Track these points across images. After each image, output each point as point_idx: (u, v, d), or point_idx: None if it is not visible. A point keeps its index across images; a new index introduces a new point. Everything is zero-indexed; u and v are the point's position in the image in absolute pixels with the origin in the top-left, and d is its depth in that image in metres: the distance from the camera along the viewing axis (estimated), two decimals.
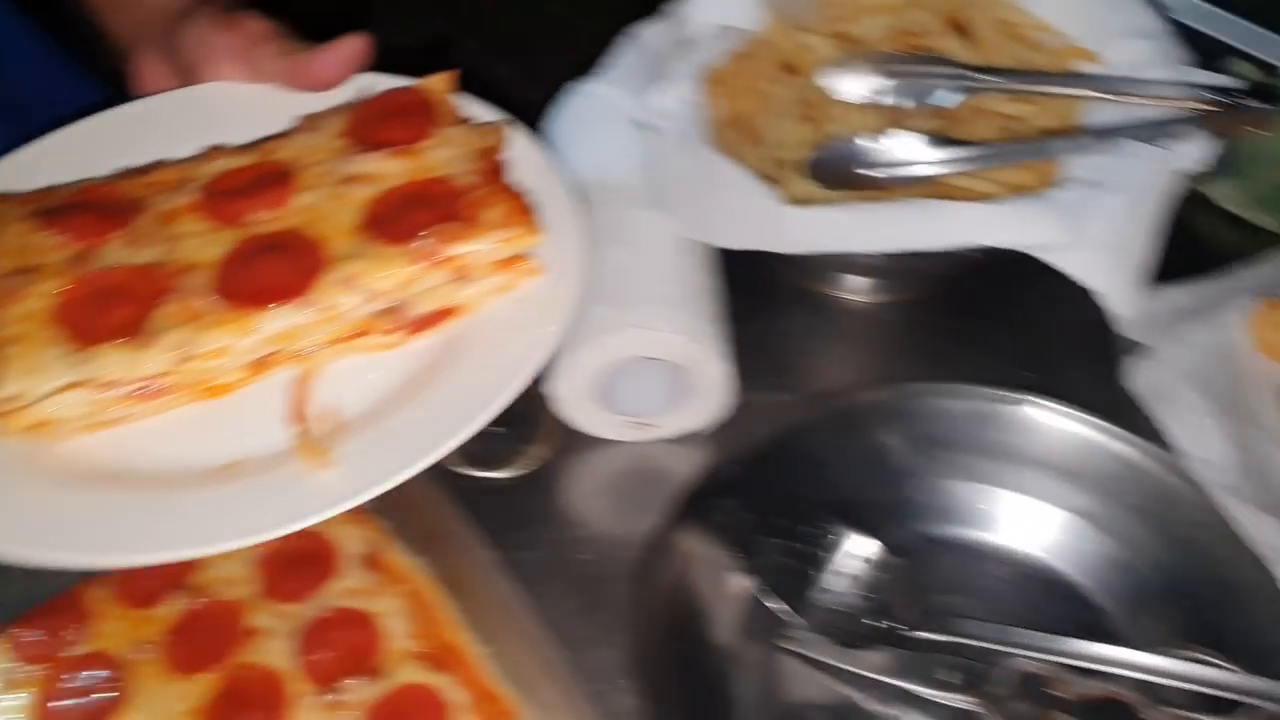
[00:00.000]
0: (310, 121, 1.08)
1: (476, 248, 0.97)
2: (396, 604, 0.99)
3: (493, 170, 1.02)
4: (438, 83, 1.10)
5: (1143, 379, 1.02)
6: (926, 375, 1.04)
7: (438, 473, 0.90)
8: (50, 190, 1.03)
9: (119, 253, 0.97)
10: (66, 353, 0.90)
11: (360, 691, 0.94)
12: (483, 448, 1.01)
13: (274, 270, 0.95)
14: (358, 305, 0.96)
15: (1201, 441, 0.95)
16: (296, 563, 1.03)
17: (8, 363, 0.89)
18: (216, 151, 1.06)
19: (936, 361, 1.14)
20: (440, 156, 1.04)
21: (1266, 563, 0.87)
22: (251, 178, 1.03)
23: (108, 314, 0.92)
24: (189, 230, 0.99)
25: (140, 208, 1.01)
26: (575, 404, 1.08)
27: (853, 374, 1.22)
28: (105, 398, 0.92)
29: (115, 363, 0.90)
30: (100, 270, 0.95)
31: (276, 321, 0.94)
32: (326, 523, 0.87)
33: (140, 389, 0.92)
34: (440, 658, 0.96)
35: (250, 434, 0.92)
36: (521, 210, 0.99)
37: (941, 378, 1.04)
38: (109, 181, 1.04)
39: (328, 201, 1.00)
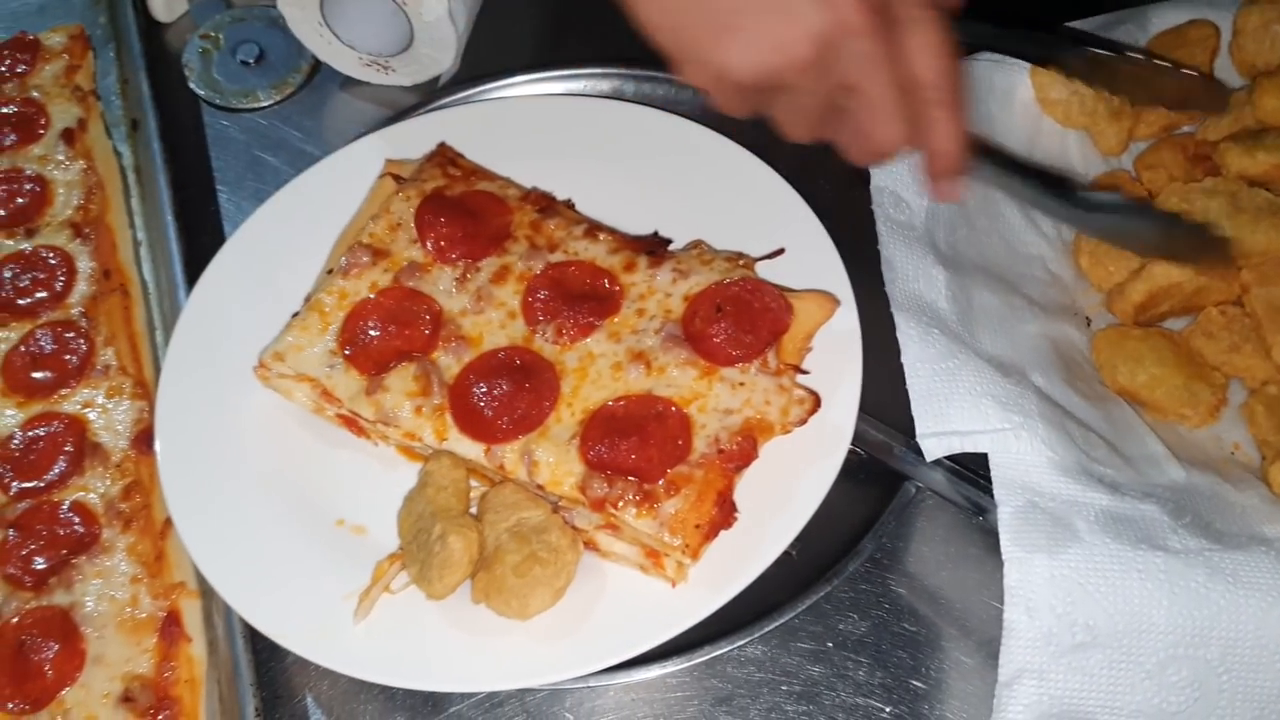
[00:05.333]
0: (688, 258, 1.00)
1: (638, 527, 0.86)
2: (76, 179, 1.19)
3: (743, 457, 0.87)
4: (816, 309, 0.91)
5: None
6: None
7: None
8: (454, 167, 1.08)
9: (443, 282, 1.00)
10: (328, 352, 0.97)
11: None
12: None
13: (506, 403, 0.93)
14: (526, 481, 0.90)
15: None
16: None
17: (289, 328, 0.98)
18: (610, 235, 1.03)
19: None
20: (723, 400, 0.91)
21: None
22: (584, 283, 0.99)
23: (377, 339, 0.97)
24: (500, 299, 0.99)
25: (501, 245, 1.02)
26: (307, 25, 1.23)
27: None
28: (325, 406, 0.98)
29: (344, 385, 0.95)
30: (410, 289, 0.99)
31: (467, 451, 0.94)
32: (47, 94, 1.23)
33: (350, 416, 0.97)
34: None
35: None
36: (705, 531, 0.86)
37: None
38: (504, 197, 1.06)
39: (603, 366, 0.95)
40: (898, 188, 1.05)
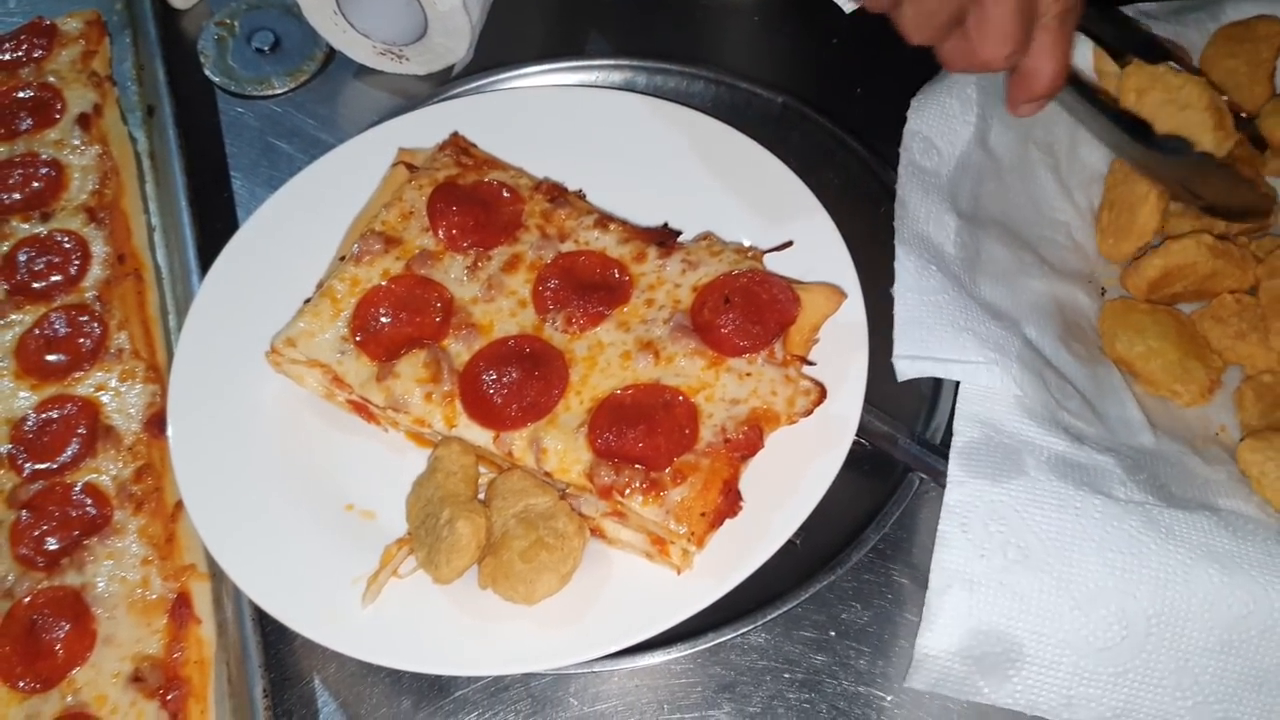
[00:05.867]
0: (697, 249, 1.00)
1: (644, 515, 0.87)
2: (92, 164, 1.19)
3: (748, 447, 0.88)
4: (823, 302, 0.92)
5: None
6: None
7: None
8: (466, 157, 1.09)
9: (454, 270, 1.01)
10: (340, 338, 0.98)
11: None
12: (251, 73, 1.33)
13: (515, 390, 0.94)
14: (534, 468, 0.92)
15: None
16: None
17: (301, 315, 0.99)
18: (621, 226, 1.04)
19: None
20: (730, 390, 0.92)
21: None
22: (594, 273, 1.00)
23: (388, 326, 0.98)
24: (510, 288, 1.00)
25: (512, 234, 1.02)
26: (322, 14, 1.25)
27: None
28: (335, 391, 0.99)
29: (355, 372, 0.96)
30: (421, 277, 1.00)
31: (476, 438, 0.94)
32: (63, 79, 1.24)
33: (360, 402, 0.98)
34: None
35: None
36: (711, 519, 0.87)
37: None
38: (516, 187, 1.06)
39: (612, 355, 0.96)
40: (932, 134, 1.06)
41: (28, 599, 0.95)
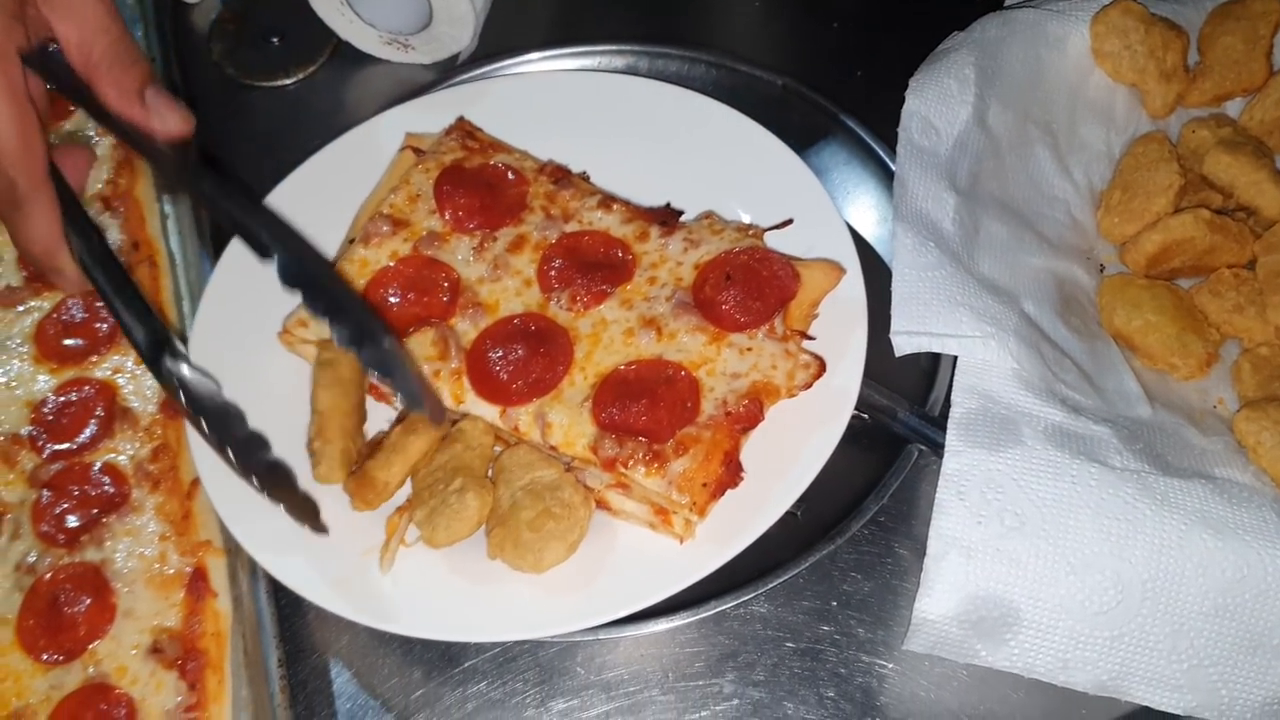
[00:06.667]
0: (699, 228, 1.02)
1: (647, 485, 0.89)
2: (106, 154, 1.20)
3: (750, 419, 0.90)
4: (822, 278, 0.94)
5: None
6: None
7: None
8: (472, 140, 1.10)
9: (461, 251, 1.03)
10: None
11: None
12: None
13: (521, 367, 0.96)
14: (540, 442, 0.94)
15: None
16: None
17: None
18: (624, 206, 1.06)
19: None
20: (731, 365, 0.94)
21: None
22: (598, 252, 1.02)
23: (396, 306, 1.00)
24: (516, 267, 1.02)
25: (517, 215, 1.04)
26: (329, 5, 1.29)
27: None
28: None
29: None
30: (429, 258, 1.02)
31: (483, 414, 0.96)
32: None
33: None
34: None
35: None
36: (712, 489, 0.89)
37: None
38: (521, 169, 1.08)
39: (615, 332, 0.98)
40: (931, 114, 1.09)
41: (50, 575, 0.97)
